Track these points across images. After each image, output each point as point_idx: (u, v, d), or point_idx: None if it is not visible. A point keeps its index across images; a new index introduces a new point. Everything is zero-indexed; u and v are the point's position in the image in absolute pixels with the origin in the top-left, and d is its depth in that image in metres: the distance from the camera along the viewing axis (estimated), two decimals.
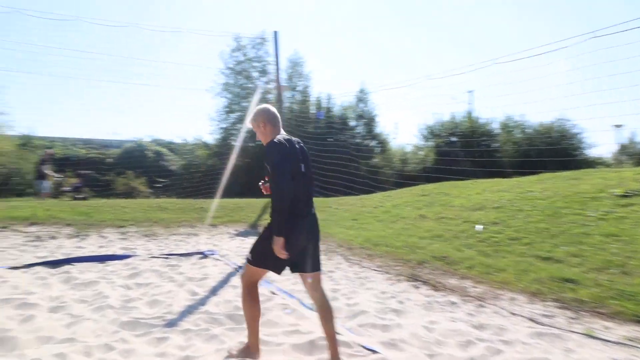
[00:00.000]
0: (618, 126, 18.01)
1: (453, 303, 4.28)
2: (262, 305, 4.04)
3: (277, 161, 2.61)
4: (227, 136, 21.55)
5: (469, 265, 5.40)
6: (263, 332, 3.45)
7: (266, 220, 8.88)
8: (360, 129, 21.81)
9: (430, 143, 21.53)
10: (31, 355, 2.90)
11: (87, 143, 22.22)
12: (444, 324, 3.70)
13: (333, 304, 4.18)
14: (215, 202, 10.66)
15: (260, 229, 8.62)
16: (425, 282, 4.96)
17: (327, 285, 4.86)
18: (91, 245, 6.96)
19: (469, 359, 3.06)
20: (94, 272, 5.34)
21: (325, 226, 8.51)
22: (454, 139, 20.94)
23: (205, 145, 21.78)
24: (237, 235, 8.18)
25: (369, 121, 21.63)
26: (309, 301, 4.26)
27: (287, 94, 21.04)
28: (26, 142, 19.28)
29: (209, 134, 25.07)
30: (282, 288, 4.72)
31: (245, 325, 3.57)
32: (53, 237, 7.24)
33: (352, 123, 21.61)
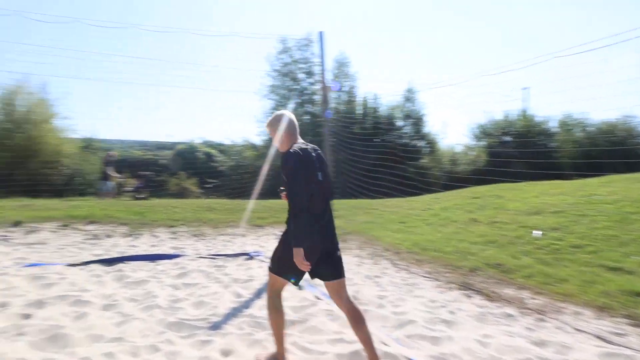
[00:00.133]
0: None
1: (509, 315, 3.99)
2: (305, 311, 4.01)
3: (292, 171, 2.62)
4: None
5: (527, 274, 5.04)
6: (306, 339, 3.36)
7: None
8: (407, 129, 21.35)
9: (482, 143, 20.69)
10: (81, 353, 2.97)
11: (142, 145, 23.28)
12: (499, 338, 3.44)
13: (379, 311, 4.04)
14: (262, 203, 10.76)
15: None
16: (478, 292, 4.67)
17: (373, 291, 4.71)
18: (144, 244, 7.20)
19: None
20: (145, 270, 5.49)
21: (371, 229, 8.34)
22: (507, 138, 20.01)
23: (253, 147, 22.17)
24: None
25: (416, 121, 21.13)
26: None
27: (332, 95, 20.99)
28: (88, 145, 20.46)
29: (257, 136, 25.52)
30: (326, 293, 4.61)
31: (288, 331, 3.52)
32: (109, 236, 7.57)
33: (399, 123, 21.19)
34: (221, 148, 23.67)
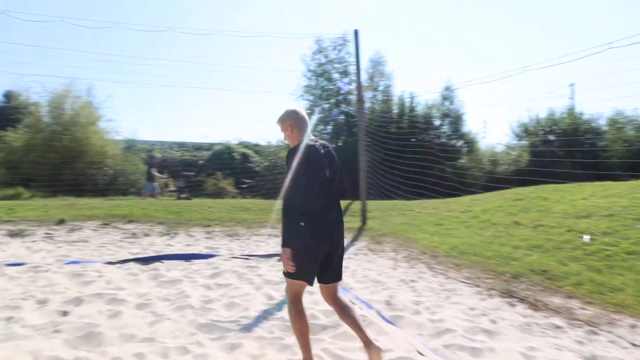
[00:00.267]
0: None
1: (557, 327, 3.70)
2: (337, 315, 3.88)
3: (293, 169, 2.61)
4: None
5: (576, 282, 4.70)
6: (337, 346, 3.24)
7: (346, 222, 8.53)
8: (445, 128, 20.79)
9: (524, 142, 19.85)
10: (113, 353, 2.98)
11: (181, 146, 23.88)
12: (546, 351, 3.19)
13: (415, 318, 3.86)
14: None
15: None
16: (522, 300, 4.39)
17: (408, 296, 4.52)
18: (179, 243, 7.30)
19: None
20: (179, 270, 5.53)
21: (406, 231, 8.11)
22: (551, 137, 19.10)
23: (288, 147, 22.21)
24: None
25: (455, 120, 20.53)
26: (388, 313, 3.97)
27: (368, 94, 20.75)
28: (130, 146, 21.20)
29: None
30: (360, 297, 4.47)
31: (319, 337, 3.41)
32: (147, 235, 7.73)
33: (436, 122, 20.66)
34: (256, 148, 23.91)
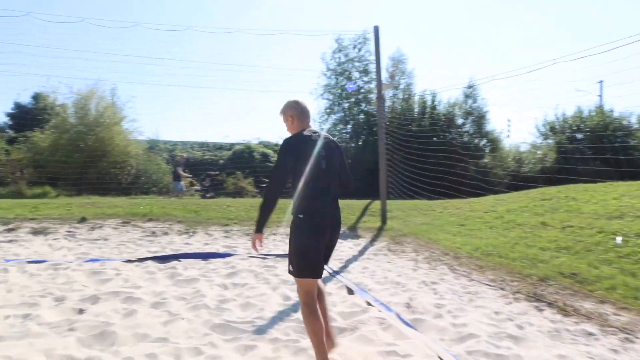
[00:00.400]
0: None
1: (589, 334, 3.48)
2: (355, 318, 3.76)
3: (279, 160, 2.69)
4: None
5: (609, 285, 4.44)
6: (355, 350, 3.11)
7: (366, 222, 8.32)
8: (468, 127, 20.35)
9: (550, 141, 19.25)
10: (125, 353, 2.93)
11: (202, 146, 24.10)
12: None
13: (436, 322, 3.70)
14: None
15: (360, 231, 8.25)
16: (550, 304, 4.17)
17: (429, 299, 4.36)
18: (197, 242, 7.29)
19: None
20: (197, 269, 5.50)
21: (427, 231, 7.90)
22: (579, 135, 18.47)
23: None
24: None
25: (478, 118, 20.08)
26: (408, 316, 3.82)
27: (388, 93, 20.50)
28: (152, 146, 21.50)
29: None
30: (379, 299, 4.32)
31: (336, 340, 3.29)
32: (166, 233, 7.76)
33: (459, 121, 20.25)
34: (276, 148, 23.90)
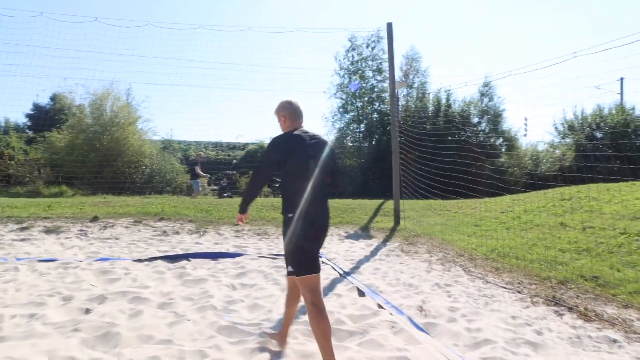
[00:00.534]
0: None
1: (613, 341, 3.29)
2: (365, 321, 3.63)
3: (264, 154, 2.82)
4: (341, 136, 21.55)
5: (633, 289, 4.23)
6: (364, 355, 2.99)
7: (379, 222, 8.14)
8: (484, 126, 20.00)
9: (568, 140, 18.80)
10: (128, 355, 2.87)
11: (216, 145, 24.18)
12: None
13: (450, 326, 3.55)
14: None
15: (372, 231, 8.09)
16: (570, 309, 3.98)
17: (443, 302, 4.20)
18: (208, 241, 7.24)
19: None
20: (206, 269, 5.43)
21: (442, 232, 7.72)
22: (598, 134, 17.99)
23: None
24: (347, 237, 7.84)
25: (494, 117, 19.71)
26: (421, 320, 3.68)
27: (402, 91, 20.26)
28: (166, 146, 21.65)
29: (324, 135, 25.41)
30: (390, 301, 4.19)
31: (345, 344, 3.17)
32: (177, 233, 7.72)
33: (474, 120, 19.91)
34: None
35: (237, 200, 11.68)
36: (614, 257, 5.16)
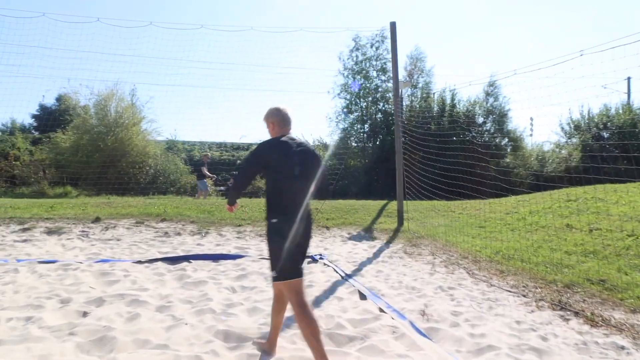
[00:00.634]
0: None
1: (621, 347, 3.20)
2: (366, 326, 3.56)
3: (247, 157, 2.93)
4: (345, 137, 21.47)
5: None
6: None
7: (382, 223, 8.03)
8: (489, 126, 19.84)
9: (575, 140, 18.60)
10: None
11: (220, 146, 24.17)
12: None
13: (452, 331, 3.47)
14: (330, 203, 10.44)
15: (375, 233, 8.01)
16: (577, 313, 3.88)
17: (446, 305, 4.12)
18: (210, 242, 7.19)
19: None
20: (206, 271, 5.39)
21: (445, 233, 7.63)
22: (605, 134, 17.78)
23: (324, 146, 22.00)
24: (350, 239, 7.76)
25: (499, 117, 19.55)
26: (423, 325, 3.60)
27: (406, 91, 20.15)
28: (170, 146, 21.66)
29: (328, 136, 25.37)
30: (392, 305, 4.11)
31: (344, 349, 3.11)
32: (178, 234, 7.69)
33: (479, 120, 19.76)
34: None
35: (240, 201, 11.65)
36: (621, 260, 5.05)
